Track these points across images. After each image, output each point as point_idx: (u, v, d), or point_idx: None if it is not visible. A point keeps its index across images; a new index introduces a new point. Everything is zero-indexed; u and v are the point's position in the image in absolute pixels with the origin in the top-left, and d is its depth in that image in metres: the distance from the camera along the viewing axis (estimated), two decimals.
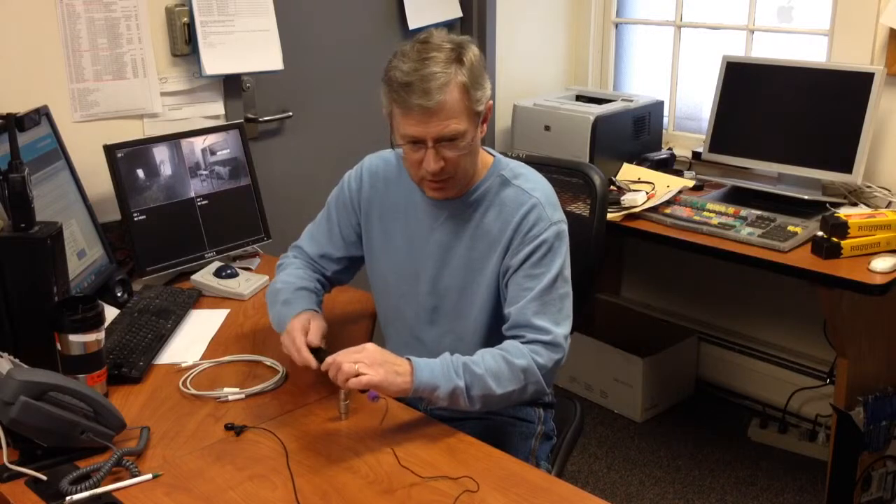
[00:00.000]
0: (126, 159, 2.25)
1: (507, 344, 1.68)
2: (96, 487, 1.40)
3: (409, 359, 1.59)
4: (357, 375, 1.53)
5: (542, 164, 1.92)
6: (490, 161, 1.82)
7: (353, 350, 1.57)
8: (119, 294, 2.13)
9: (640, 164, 3.07)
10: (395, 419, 1.65)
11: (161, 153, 2.33)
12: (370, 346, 1.59)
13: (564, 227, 1.76)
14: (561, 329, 1.70)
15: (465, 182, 1.76)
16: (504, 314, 1.74)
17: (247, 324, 2.08)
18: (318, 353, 1.66)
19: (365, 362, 1.54)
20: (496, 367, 1.62)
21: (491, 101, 1.74)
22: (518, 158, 1.89)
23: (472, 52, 1.68)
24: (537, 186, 1.78)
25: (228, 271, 2.29)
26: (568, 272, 1.75)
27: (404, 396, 1.61)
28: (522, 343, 1.67)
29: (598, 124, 3.01)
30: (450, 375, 1.58)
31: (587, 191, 2.10)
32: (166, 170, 2.33)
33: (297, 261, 1.96)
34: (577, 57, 3.64)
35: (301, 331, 1.70)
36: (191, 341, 1.97)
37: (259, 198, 2.50)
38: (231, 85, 2.68)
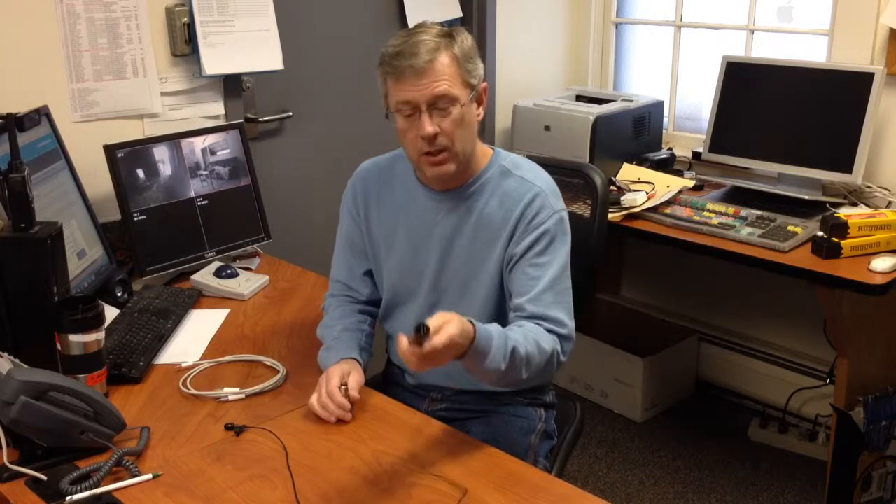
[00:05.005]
0: (126, 159, 2.25)
1: (532, 328, 1.65)
2: (96, 487, 1.40)
3: (472, 323, 1.48)
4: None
5: (542, 165, 1.92)
6: (490, 153, 1.83)
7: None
8: (119, 294, 2.13)
9: (640, 164, 3.07)
10: (395, 420, 1.65)
11: (161, 153, 2.33)
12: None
13: (566, 216, 1.77)
14: (573, 322, 1.72)
15: (464, 161, 1.74)
16: (514, 303, 1.72)
17: (247, 324, 2.08)
18: (420, 333, 1.43)
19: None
20: (531, 353, 1.59)
21: (485, 84, 1.75)
22: None
23: (464, 35, 1.71)
24: (538, 176, 1.79)
25: (228, 271, 2.29)
26: (569, 262, 1.76)
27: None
28: None
29: (598, 124, 3.01)
30: (498, 360, 1.53)
31: (588, 191, 2.09)
32: (166, 170, 2.33)
33: (335, 300, 1.94)
34: (577, 57, 3.64)
35: (338, 376, 1.68)
36: (191, 341, 1.97)
37: (259, 198, 2.50)
38: (231, 85, 2.68)
